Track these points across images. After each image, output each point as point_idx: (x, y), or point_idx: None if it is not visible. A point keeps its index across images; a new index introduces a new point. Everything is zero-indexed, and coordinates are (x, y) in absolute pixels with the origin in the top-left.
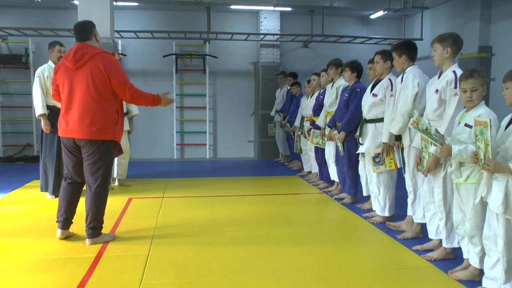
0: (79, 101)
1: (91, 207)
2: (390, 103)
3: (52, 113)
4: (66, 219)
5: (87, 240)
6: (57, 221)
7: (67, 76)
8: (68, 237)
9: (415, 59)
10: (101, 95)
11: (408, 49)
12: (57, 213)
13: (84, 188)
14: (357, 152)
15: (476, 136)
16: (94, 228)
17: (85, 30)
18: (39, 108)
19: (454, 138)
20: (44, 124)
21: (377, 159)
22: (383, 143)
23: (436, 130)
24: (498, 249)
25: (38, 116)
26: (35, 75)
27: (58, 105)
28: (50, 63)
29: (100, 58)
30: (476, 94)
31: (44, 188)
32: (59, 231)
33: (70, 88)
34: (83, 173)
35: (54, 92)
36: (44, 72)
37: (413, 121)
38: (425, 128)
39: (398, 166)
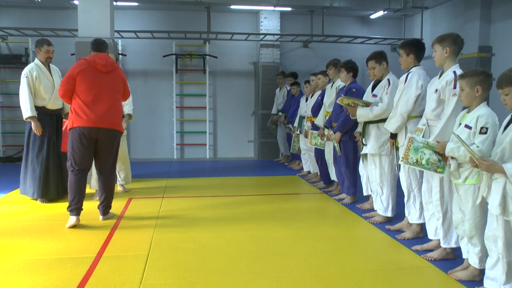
0: (107, 99)
1: (107, 188)
2: (385, 100)
3: (41, 114)
4: (81, 207)
5: (101, 217)
6: (71, 210)
7: (95, 77)
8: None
9: (421, 60)
10: (119, 97)
11: (417, 49)
12: (70, 202)
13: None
14: (361, 153)
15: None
16: (109, 206)
17: (106, 46)
18: (27, 110)
19: (454, 139)
20: (35, 127)
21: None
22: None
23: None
24: (498, 250)
25: (26, 119)
26: (22, 75)
27: (49, 105)
28: (37, 62)
29: (120, 70)
30: (464, 95)
31: (36, 194)
32: (74, 218)
33: (98, 88)
34: (91, 161)
35: (64, 92)
36: (32, 72)
37: (402, 158)
38: (415, 160)
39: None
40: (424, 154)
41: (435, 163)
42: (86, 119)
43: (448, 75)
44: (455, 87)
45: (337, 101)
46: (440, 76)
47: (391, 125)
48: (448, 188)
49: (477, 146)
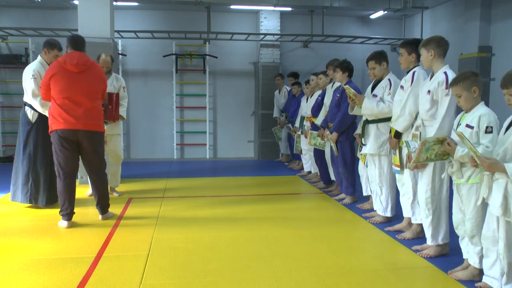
0: (82, 100)
1: (102, 188)
2: (390, 100)
3: (43, 117)
4: (72, 211)
5: (100, 216)
6: (62, 214)
7: (67, 79)
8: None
9: None
10: (97, 96)
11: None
12: (61, 207)
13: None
14: (360, 153)
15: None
16: (107, 205)
17: (83, 43)
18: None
19: (459, 141)
20: None
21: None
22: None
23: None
24: (499, 251)
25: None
26: (31, 76)
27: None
28: (42, 61)
29: (97, 67)
30: (463, 99)
31: (34, 200)
32: (66, 223)
33: (72, 89)
34: (77, 165)
35: (44, 96)
36: (40, 73)
37: (414, 160)
38: (425, 158)
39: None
40: (434, 150)
41: (442, 153)
42: (62, 121)
43: (439, 76)
44: (447, 88)
45: (344, 86)
46: (431, 77)
47: (399, 125)
48: (438, 187)
49: (487, 147)
